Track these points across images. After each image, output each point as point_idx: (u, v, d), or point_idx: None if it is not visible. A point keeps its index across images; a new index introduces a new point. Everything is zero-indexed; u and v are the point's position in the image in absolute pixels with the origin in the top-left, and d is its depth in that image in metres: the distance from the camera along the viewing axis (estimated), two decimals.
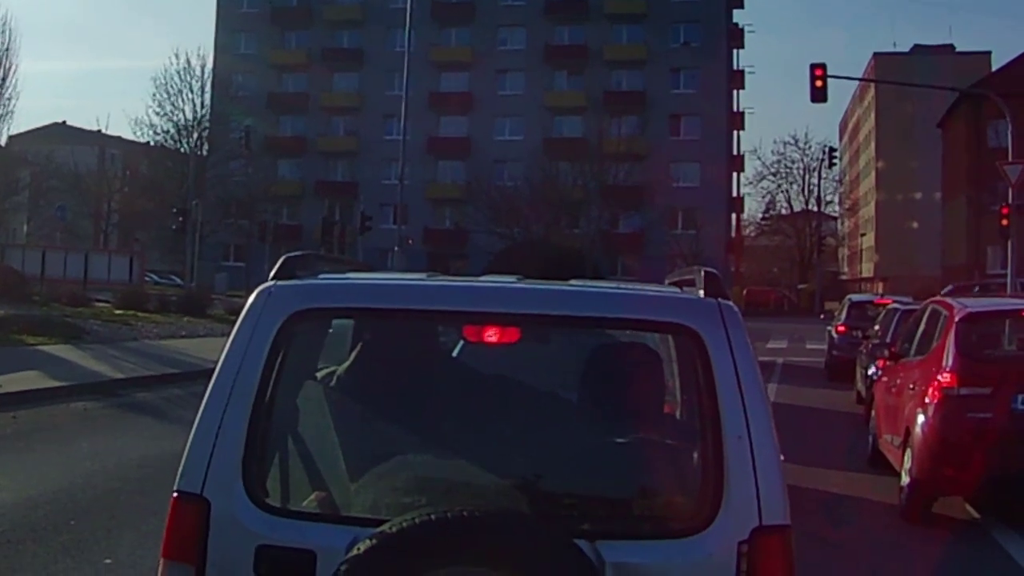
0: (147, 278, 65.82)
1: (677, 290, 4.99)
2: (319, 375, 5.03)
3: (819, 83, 38.23)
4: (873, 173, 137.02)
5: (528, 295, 4.63)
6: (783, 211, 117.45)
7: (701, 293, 4.50)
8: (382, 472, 4.41)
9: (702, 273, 4.59)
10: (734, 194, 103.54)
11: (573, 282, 4.99)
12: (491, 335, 4.54)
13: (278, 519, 4.18)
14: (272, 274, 4.60)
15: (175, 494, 4.26)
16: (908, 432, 12.67)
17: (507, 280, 4.91)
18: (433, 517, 3.86)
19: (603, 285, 5.00)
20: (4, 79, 66.82)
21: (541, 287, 4.67)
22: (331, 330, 5.14)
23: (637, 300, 4.71)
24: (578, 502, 4.32)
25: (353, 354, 5.03)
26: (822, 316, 50.43)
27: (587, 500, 4.36)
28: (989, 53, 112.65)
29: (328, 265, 5.38)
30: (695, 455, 4.36)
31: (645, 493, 4.48)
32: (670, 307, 4.57)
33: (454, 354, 5.72)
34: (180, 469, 4.27)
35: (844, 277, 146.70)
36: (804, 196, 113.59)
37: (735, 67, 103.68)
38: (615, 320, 4.60)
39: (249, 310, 4.45)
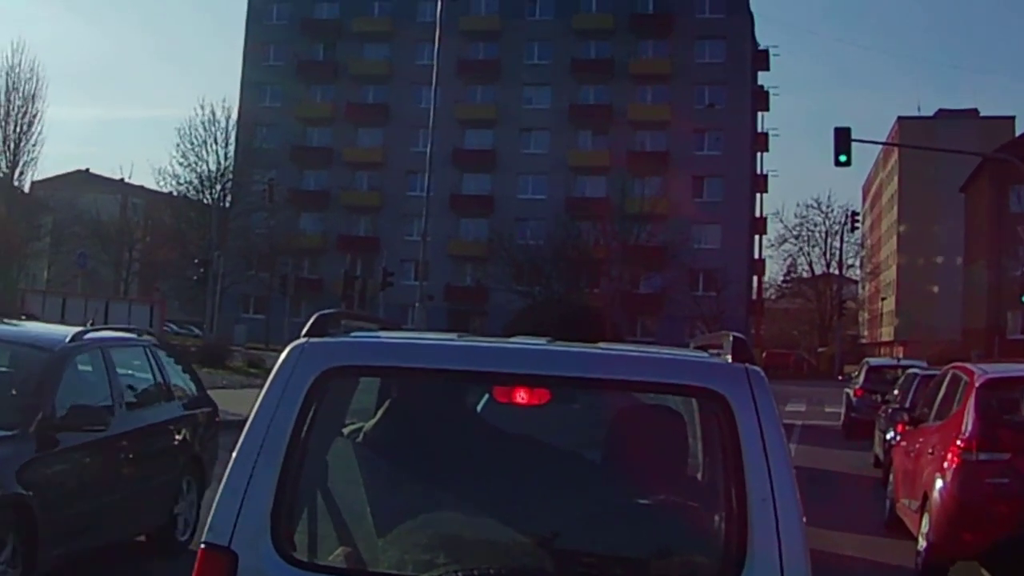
0: (167, 328, 65.69)
1: (705, 354, 5.03)
2: (345, 431, 5.05)
3: (843, 147, 38.16)
4: (895, 237, 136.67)
5: (559, 358, 4.68)
6: (804, 274, 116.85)
7: (729, 358, 4.55)
8: (409, 529, 4.43)
9: (731, 338, 4.63)
10: (756, 256, 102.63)
11: (601, 345, 5.04)
12: (521, 396, 4.57)
13: (305, 573, 4.21)
14: (304, 331, 4.64)
15: (203, 546, 4.29)
16: (926, 496, 12.65)
17: (538, 342, 4.94)
18: (459, 575, 3.90)
19: (632, 349, 5.04)
20: (30, 125, 67.82)
21: (572, 350, 4.72)
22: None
23: (667, 364, 4.76)
24: (600, 562, 4.34)
25: (380, 411, 5.06)
26: (840, 377, 50.29)
27: (609, 560, 4.38)
28: (1013, 118, 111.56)
29: (358, 323, 5.42)
30: (717, 517, 4.40)
31: (667, 554, 4.49)
32: (699, 372, 4.61)
33: (478, 409, 5.76)
34: (208, 521, 4.31)
35: (864, 341, 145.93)
36: (825, 259, 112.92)
37: (759, 129, 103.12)
38: (645, 384, 4.64)
39: (282, 366, 4.50)
